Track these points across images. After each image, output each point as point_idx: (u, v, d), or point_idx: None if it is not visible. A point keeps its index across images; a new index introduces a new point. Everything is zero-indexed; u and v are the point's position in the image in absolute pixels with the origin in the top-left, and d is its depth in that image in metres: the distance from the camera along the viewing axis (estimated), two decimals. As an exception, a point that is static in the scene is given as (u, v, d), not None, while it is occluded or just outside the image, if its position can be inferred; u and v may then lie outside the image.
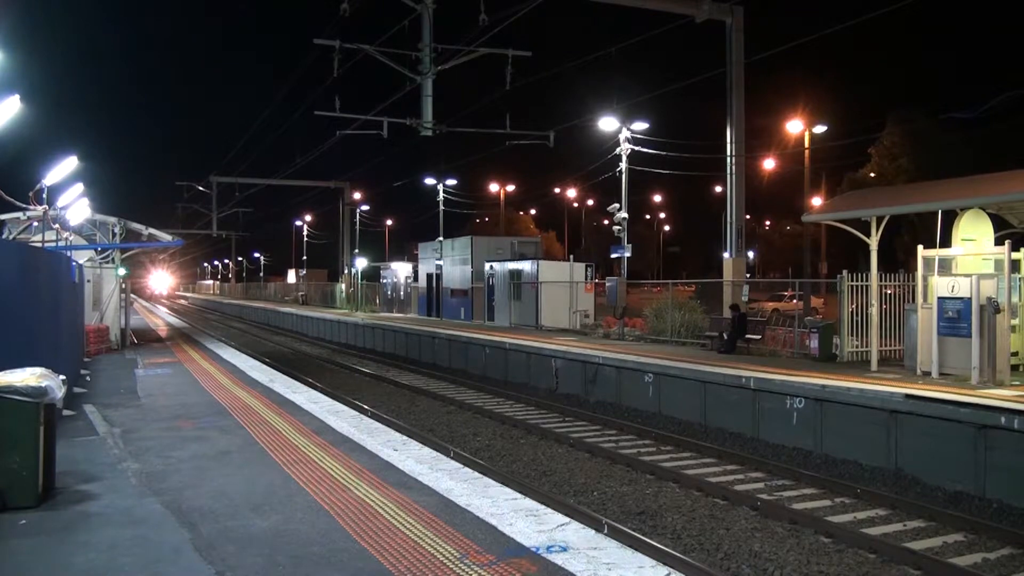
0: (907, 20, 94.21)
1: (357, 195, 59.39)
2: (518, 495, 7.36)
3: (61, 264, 14.94)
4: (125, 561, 5.60)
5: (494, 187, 62.18)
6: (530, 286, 29.54)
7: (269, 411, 12.05)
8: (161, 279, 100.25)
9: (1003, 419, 10.23)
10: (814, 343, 17.06)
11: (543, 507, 6.96)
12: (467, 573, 5.27)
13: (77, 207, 21.16)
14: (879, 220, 15.23)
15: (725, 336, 19.32)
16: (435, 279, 38.45)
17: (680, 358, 17.66)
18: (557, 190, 73.01)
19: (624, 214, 27.41)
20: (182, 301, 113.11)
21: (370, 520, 6.42)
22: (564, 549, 5.69)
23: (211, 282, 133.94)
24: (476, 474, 8.19)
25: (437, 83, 22.60)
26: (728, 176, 25.66)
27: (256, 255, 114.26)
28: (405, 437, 10.18)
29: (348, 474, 7.96)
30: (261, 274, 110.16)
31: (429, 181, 49.79)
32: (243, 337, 43.30)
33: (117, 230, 24.54)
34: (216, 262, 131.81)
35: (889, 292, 16.65)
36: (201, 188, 60.12)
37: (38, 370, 7.29)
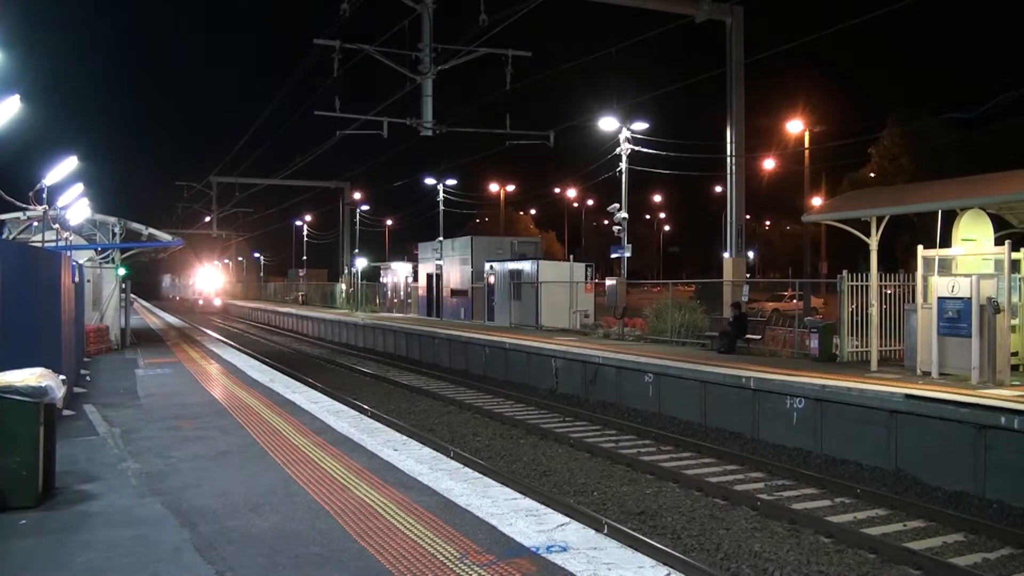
0: (907, 20, 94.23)
1: (357, 195, 59.44)
2: (518, 495, 7.36)
3: (61, 264, 14.92)
4: (125, 561, 5.60)
5: (494, 187, 62.22)
6: (530, 286, 29.52)
7: (269, 411, 12.05)
8: (211, 277, 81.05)
9: (1003, 419, 10.23)
10: (814, 343, 17.05)
11: (543, 507, 6.96)
12: (467, 573, 5.27)
13: (77, 207, 21.16)
14: (879, 220, 15.22)
15: (725, 336, 19.32)
16: (435, 279, 38.43)
17: (680, 358, 17.65)
18: (557, 190, 72.99)
19: (624, 214, 27.41)
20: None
21: (370, 520, 6.42)
22: (564, 549, 5.68)
23: None
24: (476, 474, 8.19)
25: (437, 83, 22.65)
26: (728, 176, 25.68)
27: (256, 255, 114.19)
28: (405, 437, 10.18)
29: (348, 474, 7.96)
30: (261, 274, 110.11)
31: (429, 181, 49.88)
32: (243, 337, 43.31)
33: (117, 230, 24.55)
34: (216, 262, 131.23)
35: (889, 292, 16.64)
36: (201, 188, 60.23)
37: (38, 370, 7.29)
